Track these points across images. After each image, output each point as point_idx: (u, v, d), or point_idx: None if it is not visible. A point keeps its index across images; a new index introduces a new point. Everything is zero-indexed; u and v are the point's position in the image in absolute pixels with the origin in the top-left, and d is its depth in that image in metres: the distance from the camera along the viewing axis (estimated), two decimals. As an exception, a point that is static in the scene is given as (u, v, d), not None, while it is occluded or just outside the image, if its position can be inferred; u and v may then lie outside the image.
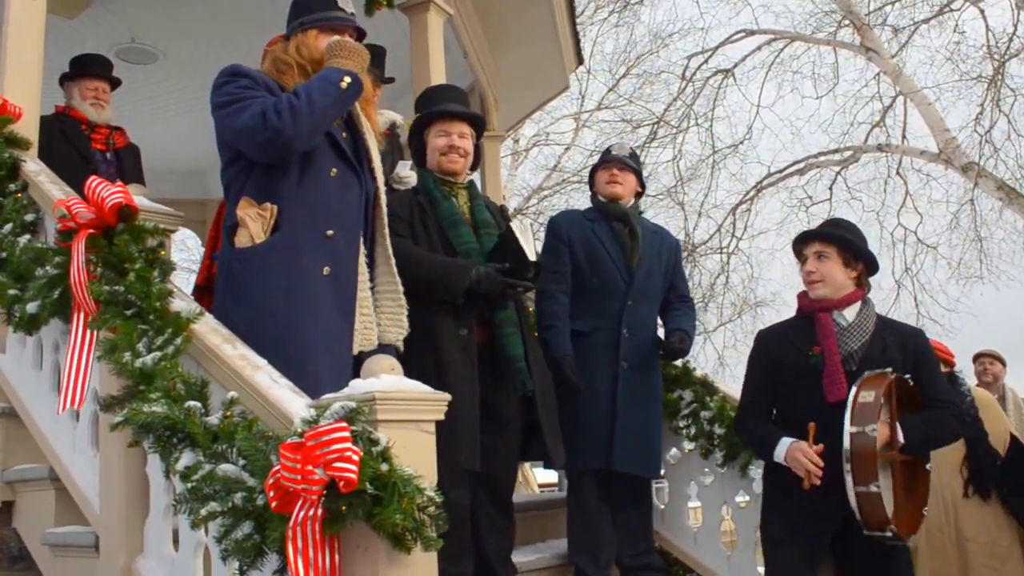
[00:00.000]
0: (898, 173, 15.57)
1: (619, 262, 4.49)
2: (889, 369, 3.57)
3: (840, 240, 3.80)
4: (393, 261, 3.49)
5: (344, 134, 3.41)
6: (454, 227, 3.93)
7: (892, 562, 3.64)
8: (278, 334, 3.06)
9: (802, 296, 3.92)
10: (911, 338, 3.79)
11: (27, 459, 3.86)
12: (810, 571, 3.66)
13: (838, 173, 15.94)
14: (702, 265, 17.04)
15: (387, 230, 3.51)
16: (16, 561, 3.85)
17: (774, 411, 3.91)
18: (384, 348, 3.37)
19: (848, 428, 3.42)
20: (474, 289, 3.75)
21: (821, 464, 3.53)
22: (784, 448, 3.66)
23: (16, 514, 3.90)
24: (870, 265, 3.86)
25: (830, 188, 15.97)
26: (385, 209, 3.52)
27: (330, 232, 3.24)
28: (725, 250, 16.38)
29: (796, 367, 3.74)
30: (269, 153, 3.17)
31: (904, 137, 15.19)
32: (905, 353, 3.71)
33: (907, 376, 3.63)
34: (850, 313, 3.77)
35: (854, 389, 3.50)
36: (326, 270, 3.22)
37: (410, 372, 2.41)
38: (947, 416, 3.68)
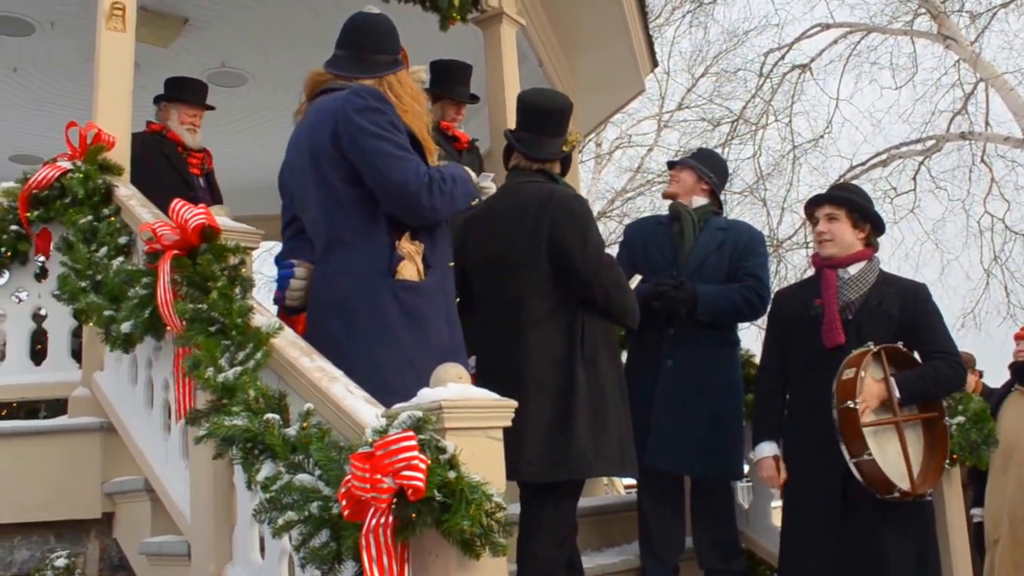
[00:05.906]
0: (983, 160, 15.19)
1: (670, 260, 4.43)
2: (871, 343, 3.79)
3: (849, 202, 4.05)
4: None
5: None
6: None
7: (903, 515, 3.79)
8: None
9: (814, 256, 4.22)
10: (911, 291, 4.03)
11: (125, 472, 4.01)
12: (819, 511, 3.88)
13: (921, 163, 15.59)
14: (787, 260, 16.79)
15: None
16: (117, 570, 4.02)
17: (783, 360, 4.18)
18: None
19: (834, 413, 3.69)
20: None
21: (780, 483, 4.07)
22: (762, 454, 4.10)
23: (116, 524, 4.07)
24: (877, 226, 4.11)
25: (914, 178, 15.64)
26: None
27: (452, 263, 3.42)
28: (810, 245, 16.10)
29: (801, 320, 4.05)
30: (406, 213, 3.21)
31: (987, 124, 14.82)
32: (904, 304, 3.96)
33: (899, 343, 3.85)
34: (854, 269, 4.03)
35: (838, 373, 3.75)
36: (457, 300, 3.43)
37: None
38: (942, 366, 3.89)
